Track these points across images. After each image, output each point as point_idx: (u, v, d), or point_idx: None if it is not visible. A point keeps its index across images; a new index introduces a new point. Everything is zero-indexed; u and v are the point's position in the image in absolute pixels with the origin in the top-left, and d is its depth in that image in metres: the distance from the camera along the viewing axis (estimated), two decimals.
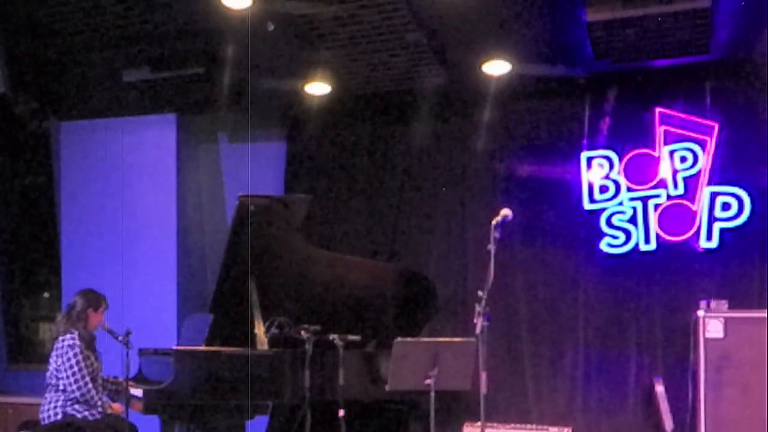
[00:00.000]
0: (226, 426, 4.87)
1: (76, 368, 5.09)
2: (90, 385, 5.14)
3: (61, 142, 7.57)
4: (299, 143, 7.50)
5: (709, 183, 6.18)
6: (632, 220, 6.34)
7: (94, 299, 5.33)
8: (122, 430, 5.01)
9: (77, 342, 5.14)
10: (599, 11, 5.24)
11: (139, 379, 5.50)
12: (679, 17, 5.21)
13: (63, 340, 5.15)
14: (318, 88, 6.58)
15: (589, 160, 6.48)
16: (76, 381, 5.09)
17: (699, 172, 6.21)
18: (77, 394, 5.11)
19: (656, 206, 6.29)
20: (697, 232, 6.16)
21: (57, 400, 5.15)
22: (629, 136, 6.43)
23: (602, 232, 6.41)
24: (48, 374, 5.21)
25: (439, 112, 6.95)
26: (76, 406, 5.15)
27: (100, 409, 5.16)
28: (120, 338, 4.93)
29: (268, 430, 6.40)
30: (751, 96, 6.18)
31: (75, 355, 5.09)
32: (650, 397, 6.12)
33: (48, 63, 6.33)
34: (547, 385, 6.55)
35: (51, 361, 5.20)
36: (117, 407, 5.23)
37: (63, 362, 5.10)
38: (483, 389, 4.26)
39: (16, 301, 8.31)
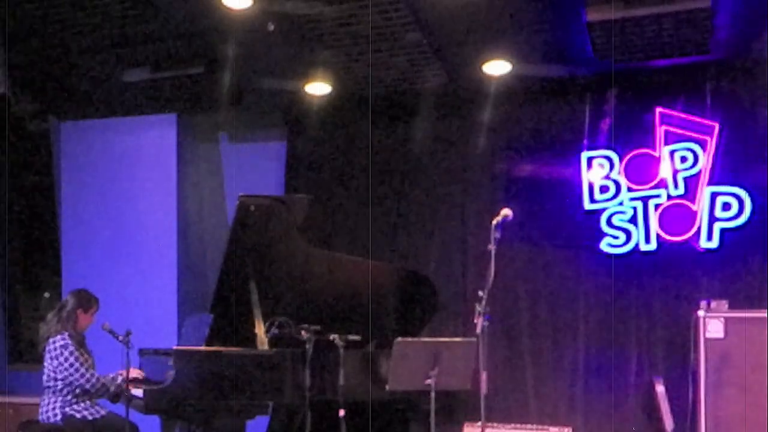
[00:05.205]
0: (226, 426, 4.86)
1: (77, 364, 5.10)
2: (97, 375, 5.16)
3: (61, 142, 7.56)
4: (299, 143, 7.50)
5: (710, 183, 6.17)
6: (633, 220, 6.34)
7: (85, 300, 5.33)
8: (122, 430, 5.01)
9: (69, 342, 5.14)
10: (599, 11, 5.24)
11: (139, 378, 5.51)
12: (679, 17, 5.20)
13: (54, 342, 5.15)
14: (318, 88, 6.58)
15: (590, 160, 6.48)
16: (82, 375, 5.10)
17: (699, 172, 6.20)
18: (87, 386, 5.12)
19: (657, 206, 6.29)
20: (698, 232, 6.16)
21: (56, 401, 5.16)
22: (629, 136, 6.43)
23: (603, 232, 6.41)
24: (44, 377, 5.20)
25: (439, 112, 6.95)
26: (75, 407, 5.15)
27: (113, 389, 5.15)
28: (120, 338, 4.93)
29: (268, 430, 6.39)
30: (751, 96, 6.17)
31: (71, 353, 5.10)
32: (650, 397, 6.12)
33: (48, 63, 6.34)
34: (547, 385, 6.55)
35: (45, 363, 5.19)
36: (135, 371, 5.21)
37: (60, 362, 5.10)
38: (483, 389, 4.26)
39: (16, 301, 8.31)
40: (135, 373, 5.19)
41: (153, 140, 7.30)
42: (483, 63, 6.08)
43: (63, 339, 5.15)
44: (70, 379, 5.10)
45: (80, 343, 5.28)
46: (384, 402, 5.47)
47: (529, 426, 6.16)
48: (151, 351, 5.52)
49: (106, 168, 7.37)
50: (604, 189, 6.43)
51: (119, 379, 5.15)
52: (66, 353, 5.10)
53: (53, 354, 5.13)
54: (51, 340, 5.18)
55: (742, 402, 5.48)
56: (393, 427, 5.78)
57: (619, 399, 6.33)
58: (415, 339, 5.32)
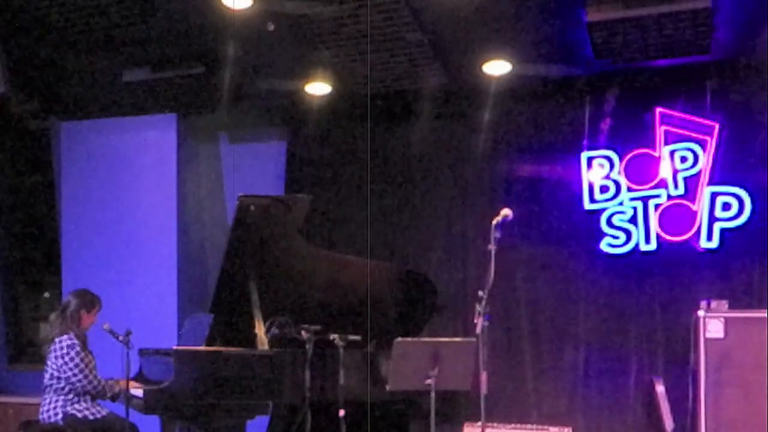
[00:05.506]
0: (226, 426, 4.87)
1: (82, 365, 5.12)
2: (99, 377, 5.17)
3: (61, 142, 7.56)
4: (299, 143, 7.50)
5: (710, 183, 6.17)
6: (633, 220, 6.34)
7: (88, 300, 5.34)
8: (122, 430, 5.01)
9: (76, 342, 5.16)
10: (599, 11, 5.24)
11: (139, 379, 5.51)
12: (679, 17, 5.20)
13: (60, 341, 5.16)
14: (318, 88, 6.58)
15: (590, 160, 6.48)
16: (85, 376, 5.12)
17: (699, 172, 6.20)
18: (89, 387, 5.13)
19: (657, 206, 6.29)
20: (698, 232, 6.16)
21: (57, 401, 5.16)
22: (629, 136, 6.43)
23: (603, 232, 6.41)
24: (47, 376, 5.20)
25: (439, 112, 6.95)
26: (76, 406, 5.16)
27: (110, 395, 5.16)
28: (120, 338, 4.93)
29: (268, 430, 6.40)
30: (751, 96, 6.17)
31: (77, 354, 5.12)
32: (650, 397, 6.12)
33: (48, 63, 6.33)
34: (547, 385, 6.55)
35: (49, 363, 5.20)
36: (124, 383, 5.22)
37: (66, 362, 5.11)
38: (483, 389, 4.26)
39: (16, 301, 8.31)
40: (134, 386, 5.17)
41: (153, 140, 7.30)
42: (483, 63, 6.08)
43: (70, 339, 5.17)
44: (73, 379, 5.11)
45: (84, 343, 5.29)
46: (384, 402, 5.47)
47: (529, 426, 6.15)
48: (151, 351, 5.52)
49: (106, 168, 7.37)
50: (604, 189, 6.44)
51: (117, 389, 5.18)
52: (72, 353, 5.11)
53: (58, 353, 5.14)
54: (57, 340, 5.19)
55: (742, 402, 5.48)
56: (393, 427, 5.78)
57: (619, 399, 6.33)
58: (415, 339, 5.32)
